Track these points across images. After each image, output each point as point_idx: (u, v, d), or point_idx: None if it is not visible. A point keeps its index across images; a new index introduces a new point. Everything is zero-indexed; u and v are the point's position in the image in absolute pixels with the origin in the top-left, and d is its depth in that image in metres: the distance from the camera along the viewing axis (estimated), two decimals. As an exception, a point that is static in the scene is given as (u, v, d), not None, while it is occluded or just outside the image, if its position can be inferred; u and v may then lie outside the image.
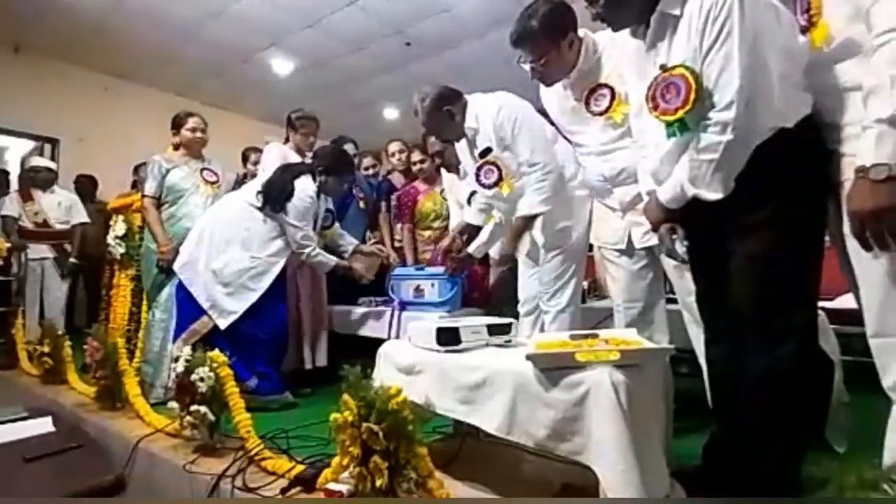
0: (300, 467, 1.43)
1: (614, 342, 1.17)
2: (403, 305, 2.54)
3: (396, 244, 3.34)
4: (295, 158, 2.85)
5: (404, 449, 1.16)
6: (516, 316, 2.06)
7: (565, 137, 1.98)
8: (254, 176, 3.30)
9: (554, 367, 1.11)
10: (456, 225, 2.45)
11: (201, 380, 1.65)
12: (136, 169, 4.15)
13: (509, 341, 1.45)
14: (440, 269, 2.49)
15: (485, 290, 2.88)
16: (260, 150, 3.59)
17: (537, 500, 1.35)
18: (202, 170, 2.79)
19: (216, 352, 1.74)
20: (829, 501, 0.77)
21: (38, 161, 4.29)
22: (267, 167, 2.77)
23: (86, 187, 4.90)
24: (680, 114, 1.13)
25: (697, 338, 1.53)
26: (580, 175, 1.96)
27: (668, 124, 1.17)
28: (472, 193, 2.28)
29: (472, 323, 1.45)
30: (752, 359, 1.19)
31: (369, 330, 2.64)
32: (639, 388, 1.06)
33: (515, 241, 2.08)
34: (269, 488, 1.41)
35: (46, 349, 2.76)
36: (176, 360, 1.77)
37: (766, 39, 1.09)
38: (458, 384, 1.30)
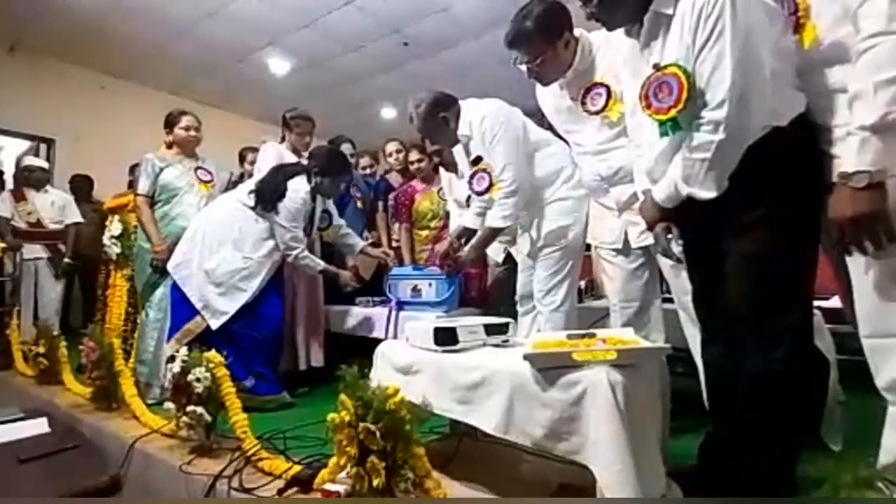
0: (297, 468, 1.42)
1: (611, 342, 1.17)
2: (401, 305, 2.54)
3: (394, 244, 3.34)
4: (291, 158, 2.83)
5: (401, 449, 1.16)
6: (514, 316, 2.06)
7: (562, 137, 1.98)
8: (251, 175, 3.29)
9: (551, 367, 1.11)
10: (454, 229, 2.45)
11: (198, 380, 1.64)
12: (132, 169, 4.13)
13: (506, 341, 1.45)
14: (437, 269, 2.49)
15: (482, 289, 2.89)
16: (257, 150, 3.57)
17: (535, 500, 1.35)
18: (196, 169, 2.77)
19: (213, 352, 1.73)
20: (824, 501, 0.77)
21: (31, 161, 4.28)
22: (263, 167, 2.76)
23: (82, 187, 4.89)
24: (672, 113, 1.14)
25: (693, 337, 1.53)
26: (577, 175, 1.97)
27: (661, 123, 1.17)
28: (470, 197, 2.28)
29: (470, 323, 1.45)
30: (748, 358, 1.19)
31: (366, 330, 2.64)
32: (635, 387, 1.06)
33: (480, 249, 2.12)
34: (265, 489, 1.40)
35: (42, 350, 2.75)
36: (170, 359, 1.76)
37: (758, 38, 1.09)
38: (455, 384, 1.30)
